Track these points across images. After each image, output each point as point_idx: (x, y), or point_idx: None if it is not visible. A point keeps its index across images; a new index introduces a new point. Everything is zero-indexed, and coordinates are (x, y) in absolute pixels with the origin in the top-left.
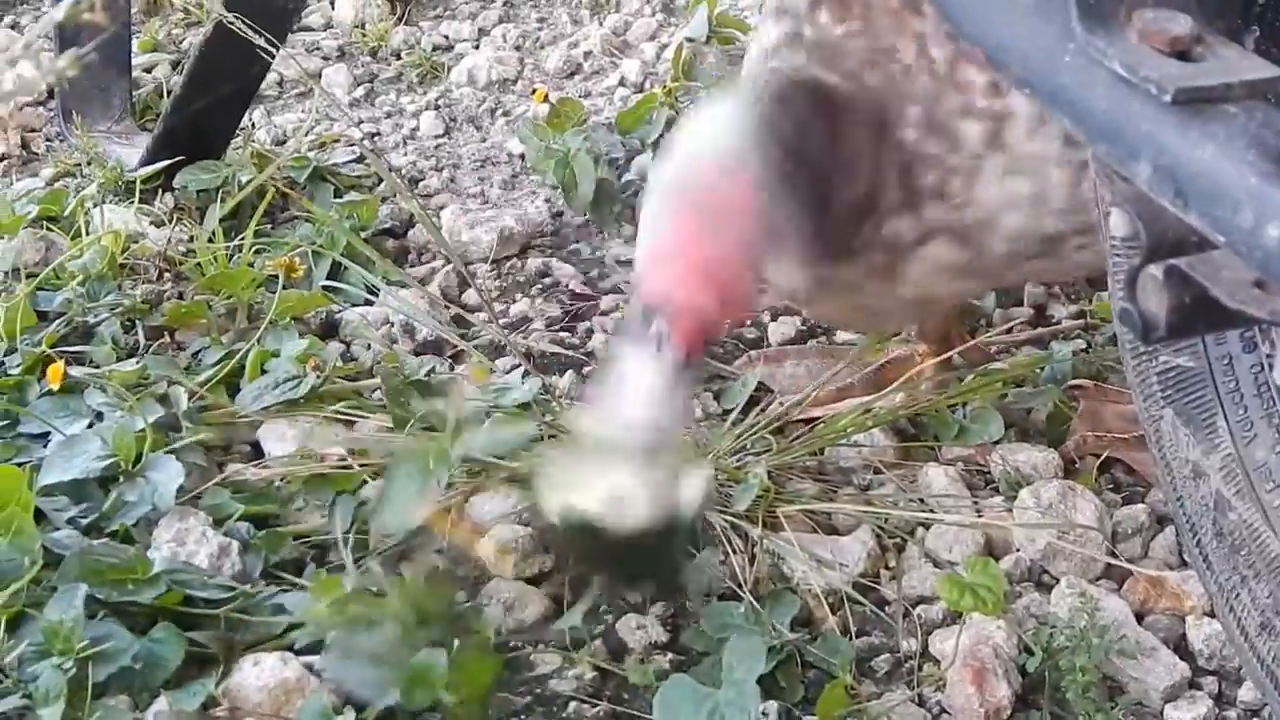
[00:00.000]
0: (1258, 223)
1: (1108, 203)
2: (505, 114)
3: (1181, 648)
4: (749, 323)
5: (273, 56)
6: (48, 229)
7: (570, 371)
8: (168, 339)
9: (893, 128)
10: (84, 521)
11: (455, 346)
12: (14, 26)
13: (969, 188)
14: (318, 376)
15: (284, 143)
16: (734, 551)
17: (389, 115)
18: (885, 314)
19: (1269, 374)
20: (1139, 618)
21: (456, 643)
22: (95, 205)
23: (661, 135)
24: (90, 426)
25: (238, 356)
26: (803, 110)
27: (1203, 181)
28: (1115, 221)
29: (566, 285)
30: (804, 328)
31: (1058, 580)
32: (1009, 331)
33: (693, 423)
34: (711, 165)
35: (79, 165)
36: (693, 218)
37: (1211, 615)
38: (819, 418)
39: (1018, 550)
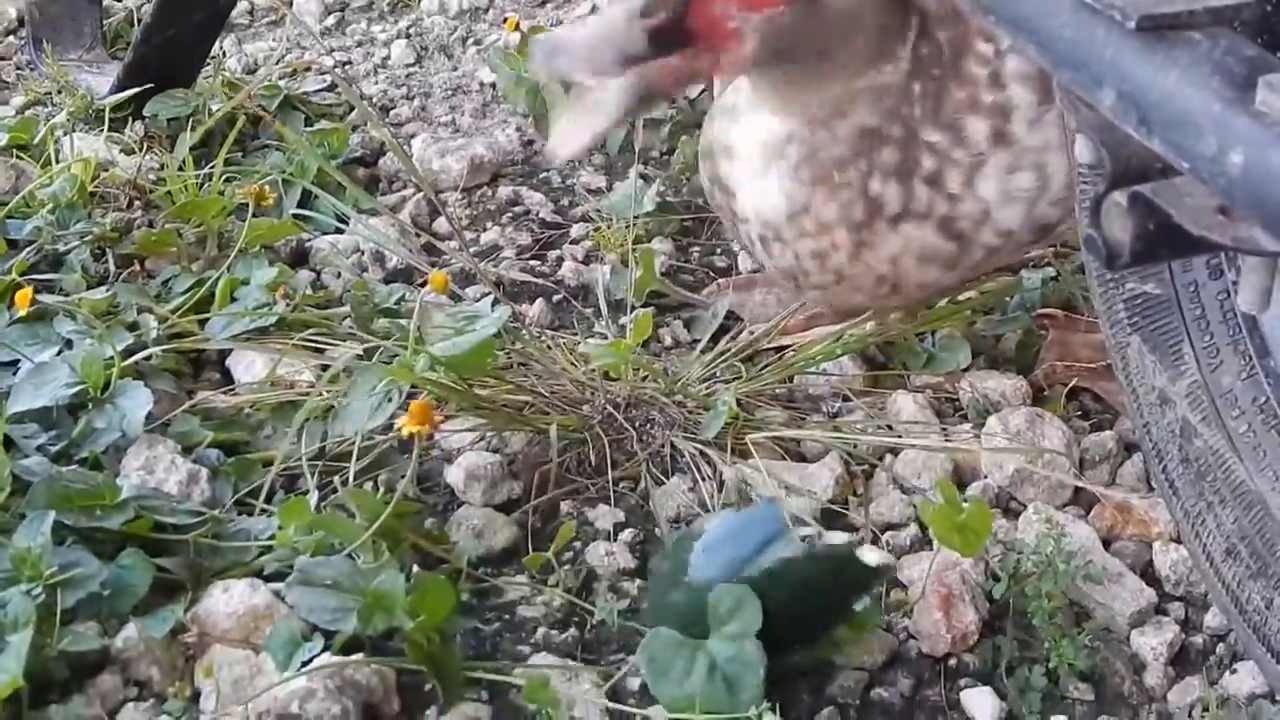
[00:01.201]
0: (1221, 149)
1: (1073, 129)
2: (476, 43)
3: (1148, 573)
4: (718, 251)
5: None
6: (17, 157)
7: (540, 299)
8: (138, 267)
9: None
10: (53, 448)
11: (425, 274)
12: None
13: (969, 183)
14: (287, 304)
15: (255, 71)
16: (702, 478)
17: (360, 44)
18: (857, 287)
19: (1234, 300)
20: (1106, 544)
21: (415, 568)
22: (65, 133)
23: None
24: (59, 354)
25: (208, 284)
26: None
27: (1166, 108)
28: (1080, 149)
29: (537, 214)
30: None
31: (1025, 506)
32: None
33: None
34: None
35: (49, 94)
36: None
37: (1178, 541)
38: (788, 346)
39: (986, 477)
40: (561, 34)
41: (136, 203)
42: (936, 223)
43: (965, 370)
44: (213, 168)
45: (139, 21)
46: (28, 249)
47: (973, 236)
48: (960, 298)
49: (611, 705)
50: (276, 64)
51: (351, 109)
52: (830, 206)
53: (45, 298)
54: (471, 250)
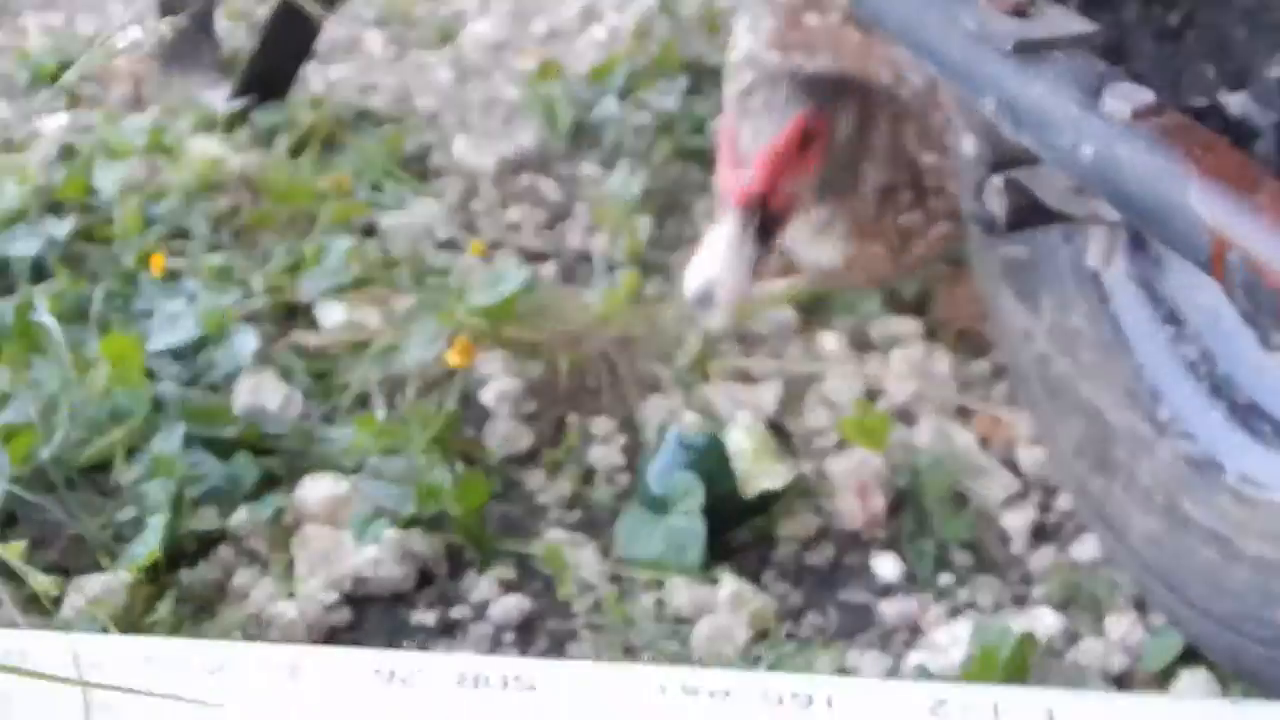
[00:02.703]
0: (1075, 143)
1: (961, 129)
2: (503, 68)
3: (1014, 468)
4: (688, 226)
5: (325, 22)
6: (153, 154)
7: (553, 262)
8: (246, 239)
9: (900, 136)
10: (183, 377)
11: (464, 243)
12: None
13: (957, 180)
14: (360, 267)
15: (334, 89)
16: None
17: (415, 69)
18: (885, 277)
19: (1083, 259)
20: (981, 446)
21: (459, 465)
22: (190, 137)
23: (623, 84)
24: (187, 305)
25: (299, 252)
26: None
27: (1034, 112)
28: (966, 144)
29: (550, 197)
30: None
31: (920, 418)
32: None
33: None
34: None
35: (178, 107)
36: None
37: (1036, 444)
38: None
39: (890, 396)
40: (702, 277)
41: (245, 190)
42: (947, 216)
43: (875, 315)
44: (303, 163)
45: (246, 51)
46: (160, 224)
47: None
48: None
49: (610, 570)
50: (351, 84)
51: (408, 118)
52: (873, 246)
53: (175, 262)
54: (501, 225)
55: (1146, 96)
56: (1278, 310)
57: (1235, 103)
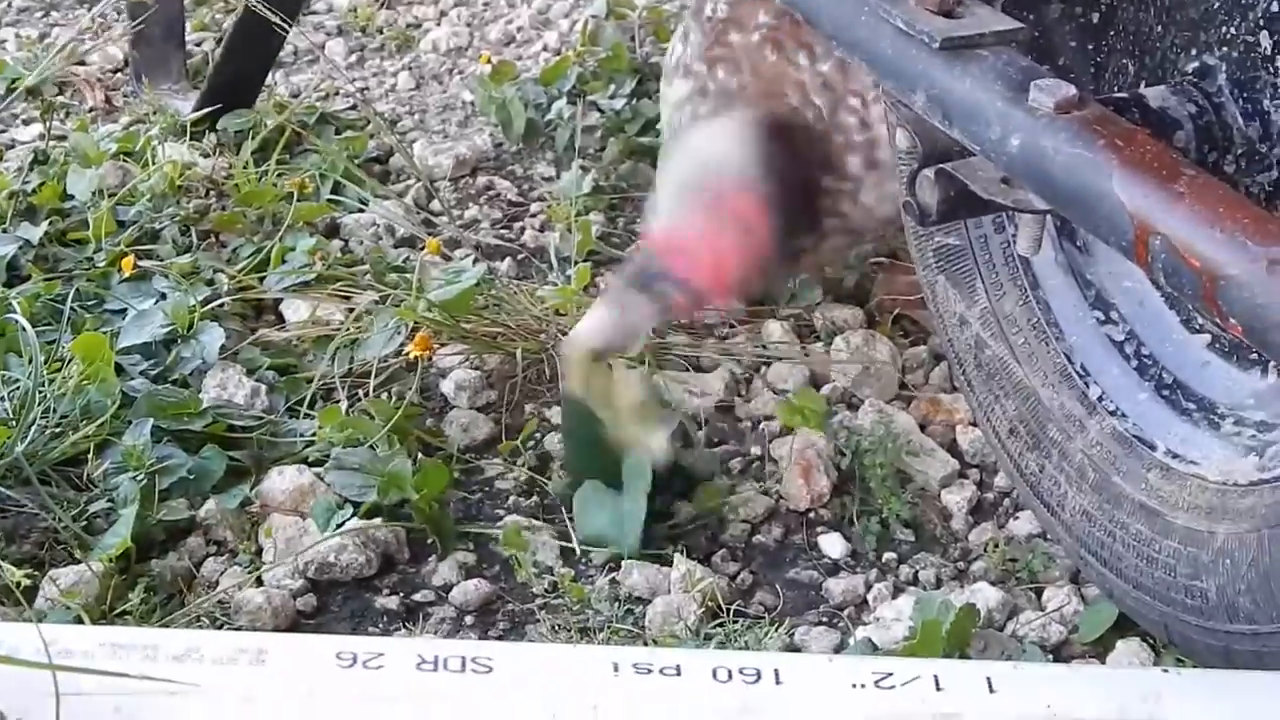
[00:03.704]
0: (1003, 136)
1: (894, 123)
2: (460, 73)
3: (953, 449)
4: (637, 221)
5: (288, 32)
6: (125, 160)
7: (508, 258)
8: (213, 239)
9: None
10: (151, 373)
11: (424, 241)
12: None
13: (854, 202)
14: (324, 265)
15: (298, 95)
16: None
17: (375, 75)
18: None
19: (1014, 247)
20: (921, 427)
21: (419, 455)
22: (159, 143)
23: (573, 86)
24: (156, 303)
25: (265, 251)
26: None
27: (963, 106)
28: (899, 137)
29: (505, 196)
30: None
31: (863, 402)
32: None
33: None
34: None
35: (148, 114)
36: (709, 220)
37: (974, 425)
38: None
39: (834, 381)
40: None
41: (212, 192)
42: (843, 231)
43: (818, 304)
44: (268, 166)
45: (212, 60)
46: (132, 227)
47: (866, 225)
48: None
49: (563, 545)
50: (313, 90)
51: (369, 122)
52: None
53: (145, 263)
54: (457, 223)
55: (1070, 91)
56: (1198, 292)
57: (1154, 95)
